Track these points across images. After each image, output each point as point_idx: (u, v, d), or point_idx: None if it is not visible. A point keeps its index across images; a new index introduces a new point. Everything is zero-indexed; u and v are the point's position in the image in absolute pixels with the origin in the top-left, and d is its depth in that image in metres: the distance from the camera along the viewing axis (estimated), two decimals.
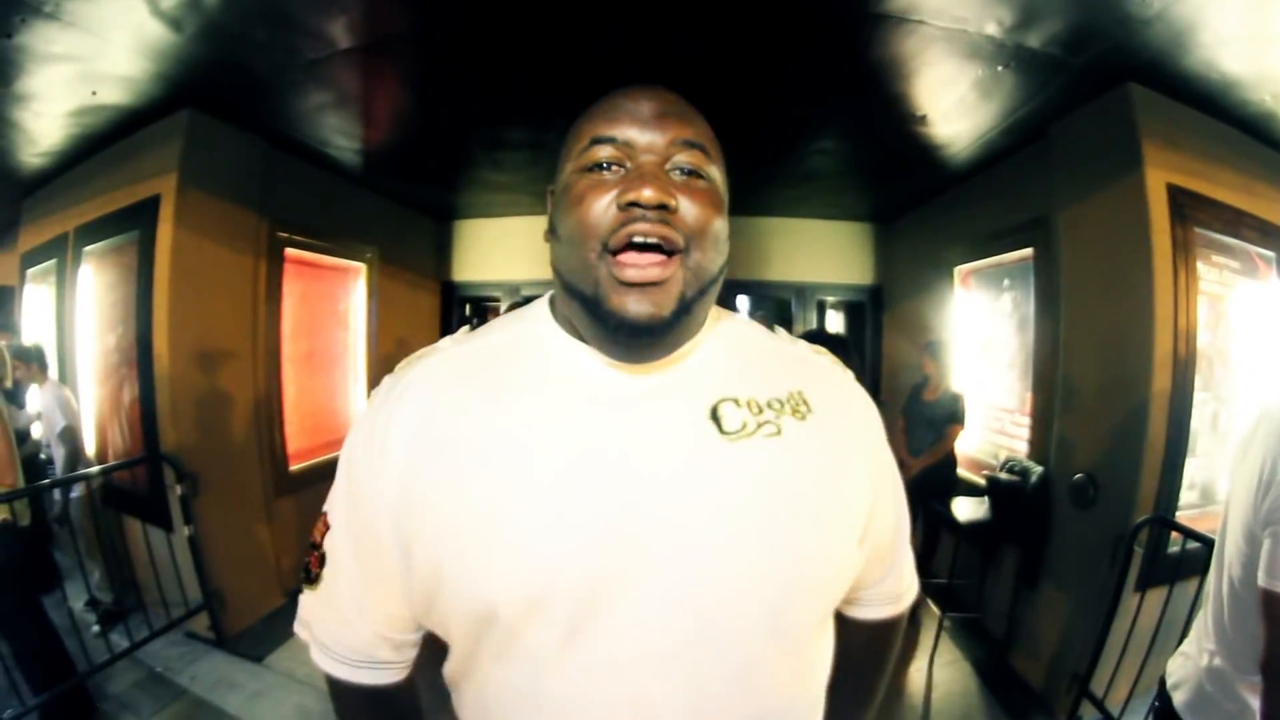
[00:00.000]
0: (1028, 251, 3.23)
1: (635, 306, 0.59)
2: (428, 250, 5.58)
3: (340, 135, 3.39)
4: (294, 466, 3.85)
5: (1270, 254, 2.78)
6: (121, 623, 3.08)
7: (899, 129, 3.05)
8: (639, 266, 0.58)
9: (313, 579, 0.73)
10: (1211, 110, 2.54)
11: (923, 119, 2.89)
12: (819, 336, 3.28)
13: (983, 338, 3.77)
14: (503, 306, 5.72)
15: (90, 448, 3.50)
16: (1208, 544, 1.36)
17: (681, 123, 0.63)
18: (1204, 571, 1.36)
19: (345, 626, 0.70)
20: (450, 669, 0.68)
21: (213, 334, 3.24)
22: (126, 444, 3.30)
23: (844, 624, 0.79)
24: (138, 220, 3.10)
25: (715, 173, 0.65)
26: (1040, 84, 2.48)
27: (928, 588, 3.75)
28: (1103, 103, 2.54)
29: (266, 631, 3.30)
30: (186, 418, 3.09)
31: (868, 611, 0.84)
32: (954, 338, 3.98)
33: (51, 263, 3.87)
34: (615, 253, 0.59)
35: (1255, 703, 1.19)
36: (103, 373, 3.47)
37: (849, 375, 0.78)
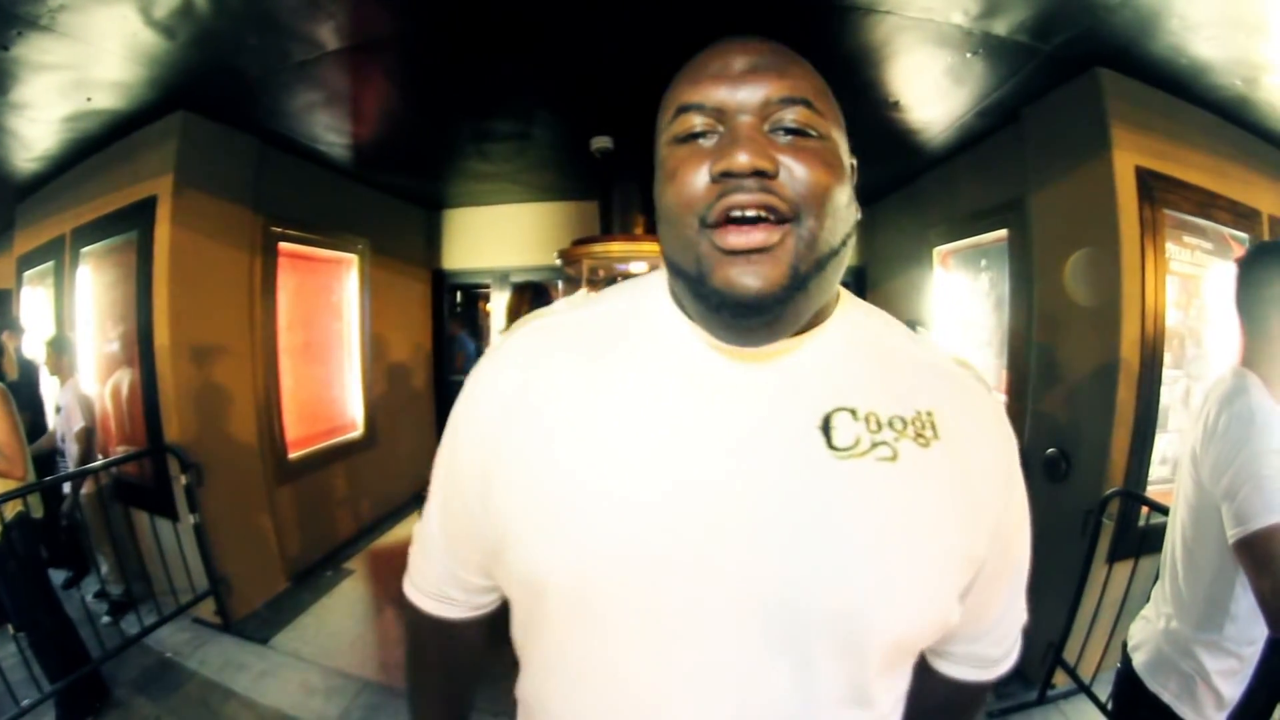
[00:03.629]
0: (1003, 233, 3.28)
1: (742, 279, 0.52)
2: (418, 239, 5.65)
3: (331, 132, 3.45)
4: (293, 454, 3.94)
5: (1243, 235, 2.81)
6: (131, 611, 3.17)
7: (874, 115, 3.08)
8: (743, 232, 0.51)
9: (422, 511, 0.76)
10: (1182, 94, 2.57)
11: (896, 105, 2.94)
12: None
13: (962, 317, 3.83)
14: (492, 293, 5.82)
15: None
16: None
17: (779, 77, 0.55)
18: None
19: (426, 558, 0.74)
20: (514, 630, 0.67)
21: (212, 328, 3.32)
22: (131, 438, 3.38)
23: (923, 670, 0.68)
24: (135, 220, 3.16)
25: (829, 129, 0.56)
26: (1010, 69, 2.53)
27: None
28: (1072, 87, 2.58)
29: (271, 614, 3.41)
30: (189, 410, 3.18)
31: (952, 669, 0.72)
32: (934, 317, 4.06)
33: (49, 264, 3.93)
34: (714, 226, 0.52)
35: (1209, 662, 1.26)
36: (105, 369, 3.55)
37: (993, 399, 0.65)
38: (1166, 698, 1.33)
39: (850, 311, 0.65)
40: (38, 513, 2.66)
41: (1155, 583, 1.49)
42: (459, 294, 6.10)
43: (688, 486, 0.54)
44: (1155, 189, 2.54)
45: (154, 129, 3.08)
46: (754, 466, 0.54)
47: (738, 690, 0.53)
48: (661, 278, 0.65)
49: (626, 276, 4.26)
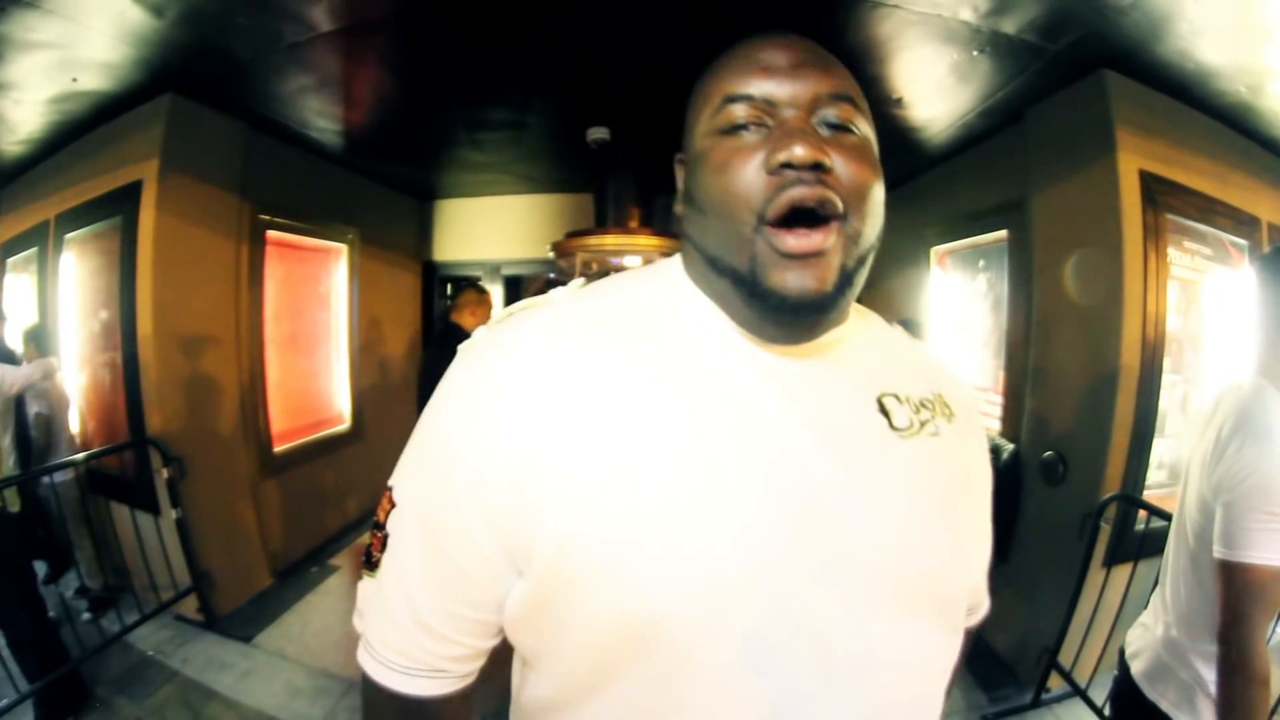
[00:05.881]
0: (1003, 233, 3.26)
1: (798, 282, 0.51)
2: (409, 230, 5.59)
3: (321, 117, 3.39)
4: (279, 448, 3.87)
5: (1243, 242, 2.82)
6: (112, 608, 3.10)
7: (876, 111, 2.99)
8: (802, 235, 0.51)
9: (372, 564, 0.60)
10: (1187, 99, 2.56)
11: (899, 101, 2.91)
12: None
13: (958, 317, 3.82)
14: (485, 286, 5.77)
15: (76, 434, 3.51)
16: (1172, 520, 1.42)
17: (825, 74, 0.55)
18: None
19: (395, 625, 0.57)
20: (552, 694, 0.55)
21: (197, 318, 3.25)
22: (112, 429, 3.30)
23: None
24: (120, 206, 3.09)
25: (867, 129, 0.57)
26: (1016, 69, 2.50)
27: None
28: (1078, 89, 2.57)
29: (255, 612, 3.35)
30: (172, 402, 3.11)
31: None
32: (930, 317, 4.04)
33: (32, 251, 3.85)
34: (773, 224, 0.51)
35: (1207, 672, 1.24)
36: (87, 359, 3.47)
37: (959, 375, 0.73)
38: (1165, 706, 1.31)
39: (856, 309, 0.67)
40: (14, 507, 2.58)
41: (1155, 589, 1.47)
42: (449, 286, 6.05)
43: (793, 481, 0.52)
44: (1159, 193, 2.53)
45: (141, 112, 3.00)
46: (837, 454, 0.54)
47: (869, 675, 0.52)
48: (672, 269, 0.63)
49: (620, 270, 4.22)
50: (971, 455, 0.64)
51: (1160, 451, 2.61)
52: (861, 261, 0.55)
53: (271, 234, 3.78)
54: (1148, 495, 2.54)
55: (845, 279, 0.54)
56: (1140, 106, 2.50)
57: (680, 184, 0.62)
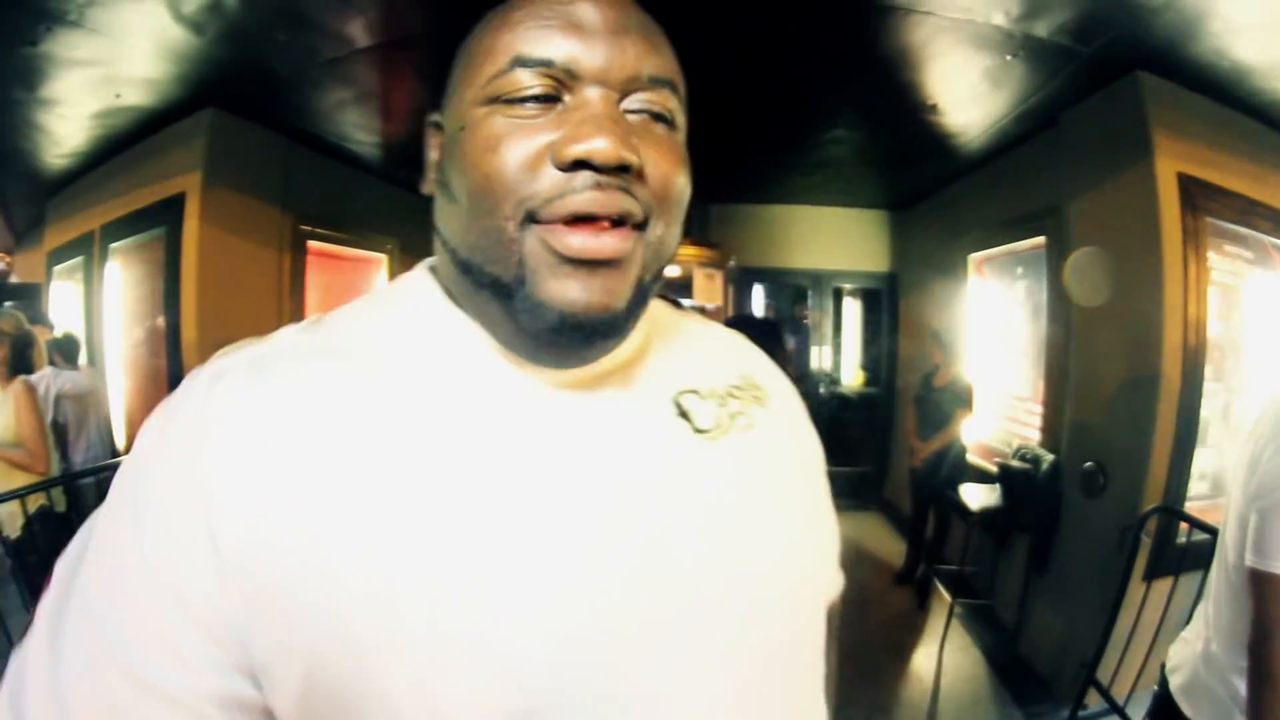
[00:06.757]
0: (1040, 240, 3.22)
1: (583, 295, 0.40)
2: None
3: (360, 130, 3.45)
4: None
5: None
6: None
7: (911, 118, 3.06)
8: (590, 234, 0.40)
9: None
10: (1224, 99, 2.51)
11: (934, 108, 2.90)
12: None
13: (997, 325, 3.77)
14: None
15: (121, 437, 3.62)
16: (1215, 534, 1.38)
17: (651, 47, 0.44)
18: (1210, 562, 1.38)
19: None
20: None
21: (239, 325, 3.29)
22: None
23: None
24: (164, 217, 3.19)
25: (682, 120, 0.47)
26: (1050, 73, 2.48)
27: (939, 574, 3.78)
28: (1112, 91, 2.53)
29: None
30: None
31: None
32: (967, 325, 3.99)
33: (78, 259, 3.99)
34: (548, 223, 0.40)
35: (1244, 689, 1.22)
36: (132, 364, 3.58)
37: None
38: None
39: None
40: (60, 506, 2.66)
41: (1198, 603, 1.43)
42: None
43: (597, 537, 0.41)
44: (1197, 196, 2.47)
45: (183, 126, 3.10)
46: (635, 488, 0.44)
47: None
48: (419, 279, 0.50)
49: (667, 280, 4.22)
50: (795, 437, 0.56)
51: (1202, 462, 2.54)
52: (658, 276, 0.46)
53: (312, 244, 3.86)
54: (1189, 507, 2.46)
55: (640, 295, 0.44)
56: (1176, 108, 2.46)
57: (433, 153, 0.50)
